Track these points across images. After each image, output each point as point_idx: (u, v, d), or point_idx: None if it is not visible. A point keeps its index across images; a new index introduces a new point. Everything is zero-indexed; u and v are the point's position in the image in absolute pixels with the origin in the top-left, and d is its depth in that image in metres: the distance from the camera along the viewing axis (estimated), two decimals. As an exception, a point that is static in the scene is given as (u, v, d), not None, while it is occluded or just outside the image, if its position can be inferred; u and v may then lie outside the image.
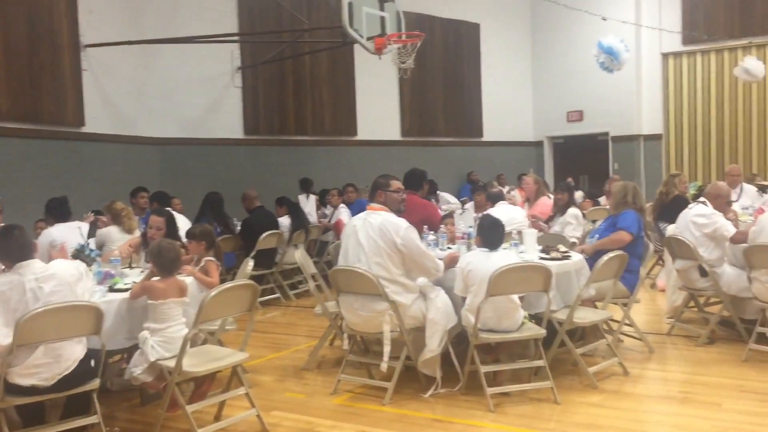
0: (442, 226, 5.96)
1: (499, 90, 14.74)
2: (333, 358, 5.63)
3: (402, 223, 4.67)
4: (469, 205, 9.06)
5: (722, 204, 5.91)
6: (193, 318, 3.89)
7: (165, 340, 3.96)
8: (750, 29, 12.90)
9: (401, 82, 12.51)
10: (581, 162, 14.86)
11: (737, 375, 4.94)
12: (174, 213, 5.90)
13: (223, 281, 4.37)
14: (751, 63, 10.06)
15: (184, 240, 5.11)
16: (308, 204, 10.03)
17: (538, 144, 15.61)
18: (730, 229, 5.63)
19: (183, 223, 6.04)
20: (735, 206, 8.15)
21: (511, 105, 15.10)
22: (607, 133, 14.39)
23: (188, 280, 4.45)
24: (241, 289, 4.09)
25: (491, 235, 4.67)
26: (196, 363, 3.96)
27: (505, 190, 11.80)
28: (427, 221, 5.82)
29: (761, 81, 11.78)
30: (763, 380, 4.79)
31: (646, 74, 13.93)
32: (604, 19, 10.06)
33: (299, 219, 8.72)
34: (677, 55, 13.77)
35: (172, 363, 3.87)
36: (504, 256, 4.57)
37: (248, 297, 4.13)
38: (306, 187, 10.41)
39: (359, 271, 4.57)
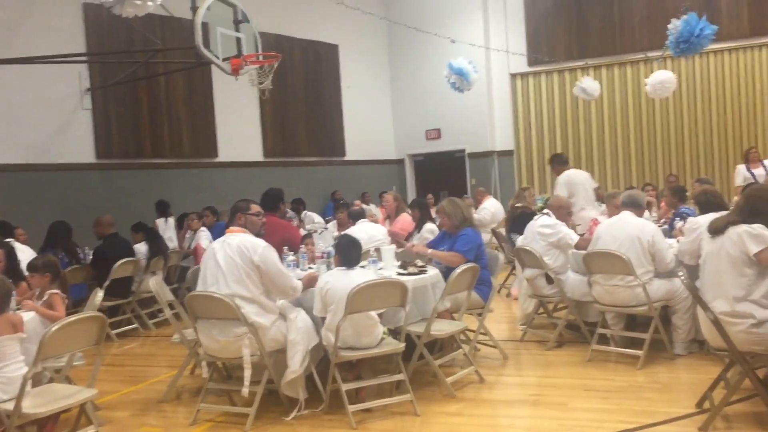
0: (303, 246, 5.98)
1: (360, 110, 15.02)
2: (194, 388, 5.47)
3: (260, 242, 4.65)
4: (332, 223, 9.13)
5: (564, 214, 6.33)
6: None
7: (2, 381, 3.70)
8: (587, 52, 13.96)
9: (262, 102, 12.45)
10: (441, 178, 15.39)
11: (582, 375, 5.28)
12: (16, 244, 5.54)
13: (72, 314, 4.15)
14: (588, 83, 10.87)
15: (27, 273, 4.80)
16: (168, 228, 9.71)
17: (400, 162, 16.02)
18: (573, 237, 6.04)
19: (27, 255, 5.67)
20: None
21: (373, 124, 15.43)
22: (464, 150, 15.00)
23: (29, 315, 4.19)
24: (87, 322, 3.90)
25: (348, 254, 4.74)
26: (39, 403, 3.72)
27: (369, 208, 12.02)
28: (287, 242, 5.82)
29: (597, 99, 12.81)
30: (604, 378, 5.15)
31: (497, 93, 14.69)
32: (452, 42, 10.53)
33: (157, 245, 8.41)
34: (524, 75, 14.63)
35: (11, 405, 3.61)
36: (361, 274, 4.64)
37: (95, 330, 3.94)
38: (163, 210, 10.08)
39: (216, 296, 4.49)
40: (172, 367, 6.11)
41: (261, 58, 8.91)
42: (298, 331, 4.62)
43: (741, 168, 10.09)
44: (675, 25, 7.05)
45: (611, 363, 5.53)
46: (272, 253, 4.61)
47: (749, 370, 3.97)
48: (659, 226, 6.88)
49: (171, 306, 5.52)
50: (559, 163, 9.18)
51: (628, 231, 5.56)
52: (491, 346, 5.98)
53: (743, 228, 3.92)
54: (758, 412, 4.16)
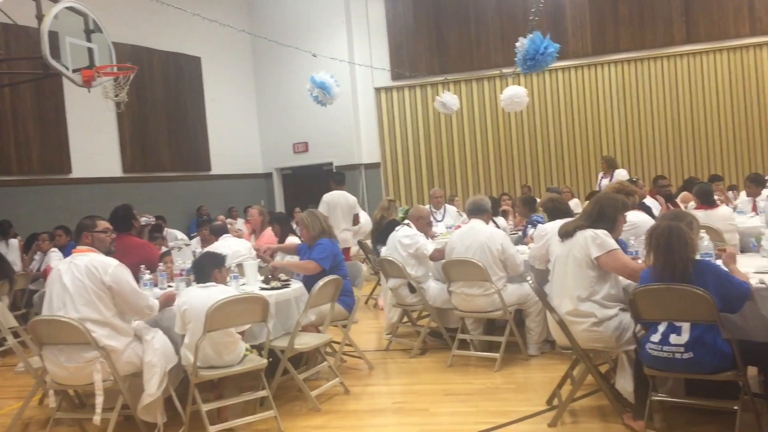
0: (161, 264, 5.78)
1: (225, 123, 14.75)
2: (43, 419, 5.13)
3: (111, 261, 4.44)
4: (195, 239, 8.89)
5: (424, 224, 6.51)
6: None
7: None
8: (447, 67, 14.48)
9: (120, 115, 11.94)
10: (310, 192, 15.31)
11: (444, 380, 5.44)
12: None
13: None
14: (447, 97, 11.26)
15: None
16: (10, 251, 9.05)
17: (268, 176, 15.86)
18: (429, 248, 6.22)
19: None
20: (440, 225, 9.04)
21: (238, 138, 15.20)
22: (331, 163, 15.07)
23: None
24: None
25: (202, 270, 4.63)
26: None
27: (236, 223, 11.80)
28: (145, 261, 5.60)
29: (457, 112, 13.33)
30: (464, 382, 5.33)
31: (363, 107, 14.90)
32: (314, 56, 10.59)
33: (1, 268, 7.83)
34: (388, 89, 14.95)
35: None
36: (221, 291, 4.54)
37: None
38: (3, 231, 9.39)
39: (63, 320, 4.23)
40: (20, 398, 5.69)
41: (115, 70, 8.54)
42: (155, 353, 4.45)
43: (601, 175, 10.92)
44: (522, 44, 7.48)
45: (471, 367, 5.74)
46: (125, 272, 4.42)
47: (592, 366, 4.25)
48: (513, 234, 7.25)
49: (16, 333, 5.15)
50: (334, 181, 9.53)
51: (478, 239, 5.78)
52: (357, 357, 6.03)
53: (589, 232, 4.20)
54: (601, 406, 4.46)
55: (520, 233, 7.65)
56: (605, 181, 10.49)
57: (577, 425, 4.25)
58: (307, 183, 15.50)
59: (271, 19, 15.07)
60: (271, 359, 4.93)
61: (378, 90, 14.97)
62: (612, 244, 4.14)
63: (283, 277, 5.56)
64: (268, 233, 7.97)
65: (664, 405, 4.03)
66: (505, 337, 5.65)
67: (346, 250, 8.75)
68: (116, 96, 8.74)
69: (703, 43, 13.32)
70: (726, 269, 3.83)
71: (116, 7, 11.72)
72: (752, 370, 3.78)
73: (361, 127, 14.94)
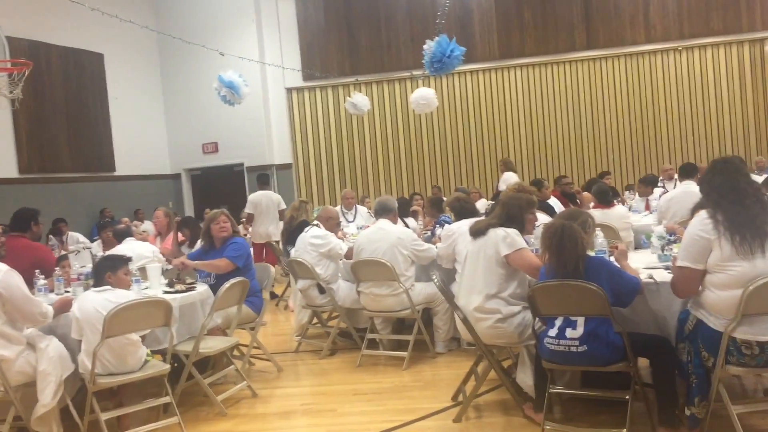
0: (58, 268, 5.54)
1: (130, 122, 14.27)
2: (-74, 435, 4.82)
3: (0, 266, 4.22)
4: (97, 243, 8.56)
5: (333, 225, 6.51)
6: None
7: None
8: (358, 69, 14.54)
9: (15, 113, 11.34)
10: (220, 193, 15.09)
11: (353, 380, 5.45)
12: None
13: None
14: (358, 98, 11.29)
15: None
16: None
17: (176, 176, 15.47)
18: (343, 247, 6.22)
19: None
20: (351, 226, 9.06)
21: (145, 137, 14.74)
22: (242, 164, 14.85)
23: None
24: None
25: (103, 274, 4.47)
26: None
27: (142, 225, 11.43)
28: (38, 265, 5.35)
29: (368, 113, 13.41)
30: (373, 382, 5.36)
31: (274, 107, 14.76)
32: (221, 54, 10.40)
33: None
34: (299, 90, 14.87)
35: None
36: (117, 295, 4.39)
37: None
38: None
39: (-53, 329, 3.99)
40: None
41: (9, 65, 8.14)
42: (50, 361, 4.25)
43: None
44: (429, 46, 7.59)
45: (381, 366, 5.78)
46: (15, 278, 4.20)
47: (494, 362, 4.36)
48: (423, 234, 7.35)
49: None
50: (260, 182, 10.56)
51: (387, 239, 5.84)
52: (265, 359, 5.97)
53: (501, 231, 4.31)
54: (504, 400, 4.58)
55: (429, 233, 7.76)
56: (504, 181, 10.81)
57: (480, 420, 4.34)
58: (217, 184, 15.23)
59: (177, 16, 14.71)
60: (176, 364, 4.82)
61: (289, 90, 14.87)
62: (521, 243, 4.27)
63: (188, 279, 5.44)
64: (172, 237, 7.77)
65: (562, 397, 4.19)
66: (413, 336, 5.72)
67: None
68: (10, 93, 8.34)
69: (603, 49, 13.92)
70: (618, 265, 4.01)
71: (11, 0, 11.16)
72: (644, 362, 3.95)
73: (273, 127, 14.79)
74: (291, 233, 8.29)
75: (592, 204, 7.59)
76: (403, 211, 7.59)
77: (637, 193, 9.40)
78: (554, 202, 7.78)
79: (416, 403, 4.77)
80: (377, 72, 14.57)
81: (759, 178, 6.67)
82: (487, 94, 14.40)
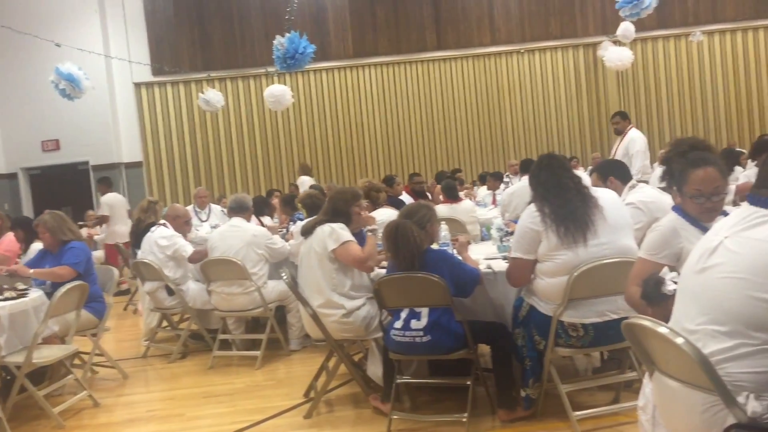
0: None
1: (-43, 118, 13.11)
2: None
3: None
4: None
5: (181, 224, 6.31)
6: None
7: None
8: (211, 64, 14.18)
9: None
10: (63, 193, 14.18)
11: (205, 383, 5.32)
12: None
13: None
14: (211, 95, 11.02)
15: None
16: None
17: (12, 176, 14.35)
18: (188, 249, 6.04)
19: None
20: (205, 225, 8.84)
21: (-25, 134, 13.58)
22: (87, 162, 14.04)
23: None
24: None
25: None
26: None
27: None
28: None
29: (223, 110, 13.13)
30: (225, 383, 5.26)
31: (121, 103, 14.09)
32: (57, 45, 9.77)
33: None
34: (149, 85, 14.29)
35: None
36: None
37: None
38: None
39: None
40: None
41: None
42: None
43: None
44: (280, 42, 7.53)
45: (233, 367, 5.68)
46: None
47: (343, 356, 4.41)
48: (279, 231, 7.30)
49: None
50: (105, 185, 10.76)
51: (241, 237, 5.76)
52: (110, 366, 5.69)
53: (326, 227, 4.36)
54: (355, 393, 4.64)
55: (284, 230, 7.72)
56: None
57: (332, 414, 4.38)
58: (60, 183, 14.30)
59: (10, 5, 13.64)
60: (8, 377, 4.49)
61: (138, 85, 14.26)
62: (346, 236, 4.32)
63: (20, 285, 5.07)
64: (8, 239, 7.23)
65: (410, 386, 4.31)
66: (266, 335, 5.67)
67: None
68: None
69: (452, 50, 14.44)
70: (459, 257, 4.19)
71: None
72: (485, 348, 4.15)
73: (120, 123, 14.11)
74: (139, 234, 7.97)
75: (441, 197, 7.87)
76: (259, 209, 7.50)
77: (485, 187, 9.85)
78: (406, 198, 8.00)
79: (269, 401, 4.73)
80: (231, 68, 14.29)
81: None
82: (342, 91, 14.52)
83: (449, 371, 4.24)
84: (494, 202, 8.90)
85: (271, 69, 12.92)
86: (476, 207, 7.99)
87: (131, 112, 14.25)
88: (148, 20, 14.18)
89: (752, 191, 2.26)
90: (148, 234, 6.23)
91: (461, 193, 8.76)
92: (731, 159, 6.82)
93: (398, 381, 4.02)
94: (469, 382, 3.89)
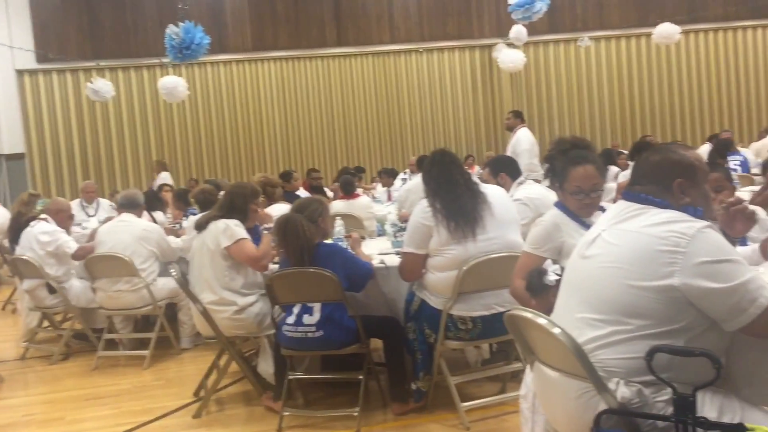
0: None
1: None
2: None
3: None
4: None
5: (64, 218, 6.01)
6: None
7: None
8: (101, 52, 13.57)
9: None
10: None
11: (87, 384, 5.09)
12: None
13: None
14: (100, 84, 10.56)
15: None
16: None
17: None
18: (72, 245, 5.75)
19: None
20: (93, 221, 8.45)
21: None
22: (-38, 153, 13.14)
23: None
24: None
25: None
26: None
27: None
28: None
29: (115, 101, 12.60)
30: (110, 384, 5.05)
31: (2, 91, 13.24)
32: None
33: None
34: (33, 73, 13.52)
35: None
36: None
37: None
38: None
39: None
40: None
41: None
42: None
43: None
44: (174, 32, 7.30)
45: (120, 367, 5.47)
46: None
47: (235, 353, 4.33)
48: (171, 227, 7.08)
49: None
50: None
51: (132, 232, 5.55)
52: (-16, 370, 5.35)
53: (221, 223, 4.26)
54: (247, 391, 4.57)
55: (177, 226, 7.49)
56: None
57: (222, 413, 4.30)
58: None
59: None
60: None
61: (20, 72, 13.46)
62: (241, 233, 4.25)
63: None
64: None
65: (302, 382, 4.28)
66: (155, 333, 5.48)
67: None
68: None
69: (352, 46, 14.44)
70: (352, 252, 4.20)
71: None
72: (379, 343, 4.17)
73: (1, 113, 13.25)
74: (17, 229, 7.53)
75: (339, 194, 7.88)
76: (150, 204, 7.24)
77: (380, 184, 9.93)
78: (303, 193, 7.94)
79: (157, 402, 4.58)
80: (123, 57, 13.70)
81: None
82: (240, 85, 14.24)
83: (343, 366, 4.24)
84: (390, 198, 8.99)
85: (165, 59, 12.54)
86: (373, 203, 8.04)
87: (13, 101, 13.42)
88: (32, 4, 13.38)
89: (626, 188, 2.39)
90: (28, 229, 5.89)
91: (359, 189, 8.82)
92: (608, 158, 7.19)
93: (290, 377, 3.99)
94: (361, 377, 3.90)
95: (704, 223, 2.15)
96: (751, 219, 2.73)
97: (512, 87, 14.90)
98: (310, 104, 14.47)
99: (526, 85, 14.96)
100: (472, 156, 13.70)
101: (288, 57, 14.30)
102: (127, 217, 5.70)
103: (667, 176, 2.27)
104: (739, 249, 2.99)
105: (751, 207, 3.41)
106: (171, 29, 7.33)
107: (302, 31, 14.26)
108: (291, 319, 3.85)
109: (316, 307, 3.82)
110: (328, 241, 4.25)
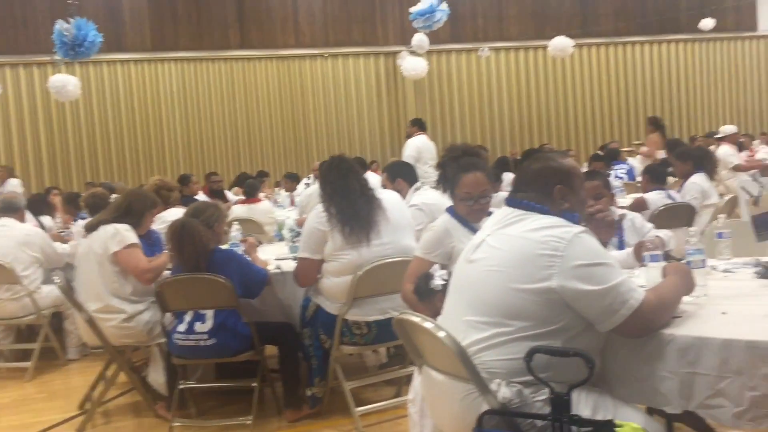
0: None
1: None
2: None
3: None
4: None
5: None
6: None
7: None
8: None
9: None
10: None
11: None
12: None
13: None
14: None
15: None
16: None
17: None
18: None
19: None
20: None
21: None
22: None
23: None
24: None
25: None
26: None
27: None
28: None
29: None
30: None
31: None
32: None
33: None
34: None
35: None
36: None
37: None
38: None
39: None
40: None
41: None
42: None
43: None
44: (65, 28, 6.98)
45: (0, 380, 5.16)
46: None
47: (123, 363, 4.17)
48: (59, 232, 6.76)
49: None
50: None
51: (12, 237, 5.27)
52: None
53: (110, 228, 4.10)
54: (136, 402, 4.41)
55: (67, 231, 7.17)
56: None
57: (109, 425, 4.14)
58: None
59: None
60: None
61: None
62: (131, 238, 4.10)
63: None
64: None
65: (195, 392, 4.17)
66: (39, 343, 5.21)
67: None
68: None
69: (256, 49, 14.24)
70: (248, 258, 4.14)
71: None
72: (275, 349, 4.11)
73: None
74: None
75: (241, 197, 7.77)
76: (37, 208, 6.88)
77: (283, 189, 9.85)
78: (202, 197, 7.77)
79: (39, 416, 4.36)
80: (11, 53, 12.97)
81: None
82: (139, 85, 13.74)
83: (238, 374, 4.17)
84: (293, 203, 8.93)
85: (57, 57, 11.97)
86: (275, 208, 7.96)
87: None
88: None
89: (509, 194, 2.47)
90: None
91: (261, 194, 8.72)
92: (503, 166, 7.42)
93: (181, 387, 3.88)
94: (255, 384, 3.84)
95: (581, 228, 2.25)
96: (611, 226, 2.89)
97: (416, 94, 15.10)
98: (213, 107, 14.16)
99: (429, 93, 15.20)
100: (377, 162, 13.78)
101: (189, 58, 13.94)
102: (7, 221, 5.40)
103: (547, 183, 2.36)
104: (615, 253, 3.14)
105: (629, 214, 3.60)
106: (61, 25, 7.00)
107: (204, 31, 13.95)
108: (182, 327, 3.75)
109: (209, 314, 3.74)
110: (225, 247, 4.17)
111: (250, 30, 14.16)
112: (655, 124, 10.60)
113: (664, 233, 3.39)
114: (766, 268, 2.74)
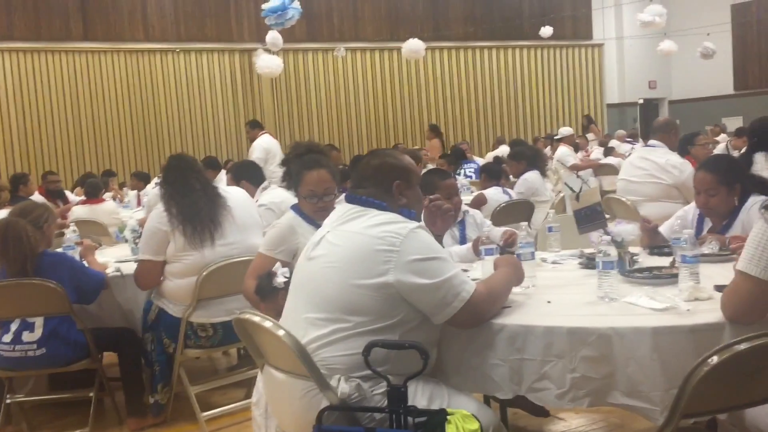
0: None
1: None
2: None
3: None
4: None
5: None
6: None
7: None
8: None
9: None
10: None
11: None
12: None
13: None
14: None
15: None
16: None
17: None
18: None
19: None
20: None
21: None
22: None
23: None
24: None
25: None
26: None
27: None
28: None
29: None
30: None
31: None
32: None
33: None
34: None
35: None
36: None
37: None
38: None
39: None
40: None
41: None
42: None
43: None
44: None
45: None
46: None
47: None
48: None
49: None
50: None
51: None
52: None
53: None
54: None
55: None
56: None
57: None
58: None
59: None
60: None
61: None
62: None
63: None
64: None
65: (26, 405, 3.88)
66: None
67: None
68: None
69: (101, 42, 13.48)
70: (82, 261, 3.90)
71: None
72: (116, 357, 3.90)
73: None
74: None
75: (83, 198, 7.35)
76: None
77: (129, 188, 9.41)
78: (39, 198, 7.26)
79: None
80: None
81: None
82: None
83: (74, 384, 3.92)
84: (140, 203, 8.54)
85: None
86: (120, 208, 7.57)
87: None
88: None
89: (349, 190, 2.48)
90: None
91: (107, 194, 8.30)
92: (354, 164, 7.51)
93: (8, 401, 3.59)
94: (92, 394, 3.63)
95: (416, 224, 2.30)
96: (448, 216, 3.01)
97: (273, 92, 14.93)
98: (53, 102, 13.24)
99: (286, 91, 15.07)
100: (232, 160, 13.49)
101: (26, 49, 12.96)
102: None
103: (386, 178, 2.40)
104: (456, 248, 3.26)
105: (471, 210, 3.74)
106: None
107: (42, 21, 13.02)
108: (8, 338, 3.47)
109: (38, 322, 3.49)
110: (59, 250, 3.92)
111: (94, 21, 13.39)
112: (435, 131, 12.04)
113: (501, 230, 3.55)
114: (589, 258, 2.93)
